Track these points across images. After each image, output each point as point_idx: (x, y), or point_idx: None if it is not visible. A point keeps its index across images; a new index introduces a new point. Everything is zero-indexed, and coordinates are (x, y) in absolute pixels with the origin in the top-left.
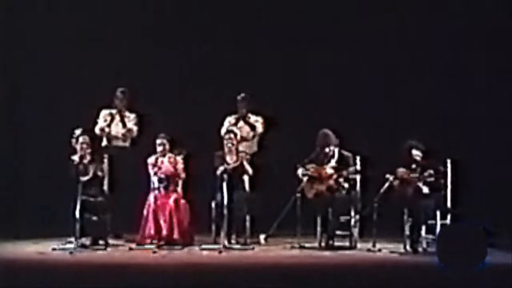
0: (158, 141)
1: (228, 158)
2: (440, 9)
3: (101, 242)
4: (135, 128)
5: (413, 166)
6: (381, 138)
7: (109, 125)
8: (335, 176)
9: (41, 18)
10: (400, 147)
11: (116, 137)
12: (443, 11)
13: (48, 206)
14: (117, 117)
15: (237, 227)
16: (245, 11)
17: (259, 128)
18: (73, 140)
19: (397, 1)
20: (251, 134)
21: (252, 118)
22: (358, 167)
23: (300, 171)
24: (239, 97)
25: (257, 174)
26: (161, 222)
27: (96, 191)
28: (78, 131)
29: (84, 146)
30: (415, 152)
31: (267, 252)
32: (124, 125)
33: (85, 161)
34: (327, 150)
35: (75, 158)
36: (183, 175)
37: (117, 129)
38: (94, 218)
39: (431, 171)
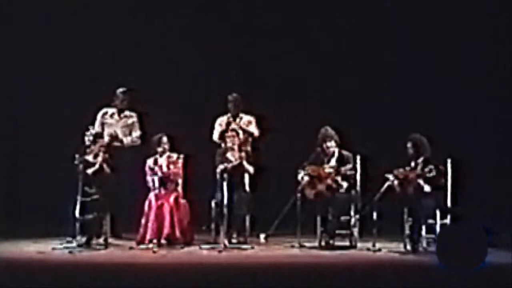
0: (157, 141)
1: (229, 155)
2: (440, 9)
3: (100, 241)
4: (139, 142)
5: (412, 164)
6: (381, 138)
7: (102, 132)
8: (333, 175)
9: (41, 18)
10: (400, 146)
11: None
12: (443, 10)
13: (48, 206)
14: (116, 117)
15: (237, 227)
16: (244, 10)
17: (255, 133)
18: (86, 138)
19: (398, 0)
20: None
21: (245, 118)
22: (358, 166)
23: (300, 174)
24: (230, 97)
25: (257, 174)
26: (162, 221)
27: (97, 189)
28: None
29: (95, 145)
30: (408, 145)
31: (267, 252)
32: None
33: (97, 158)
34: (328, 144)
35: (89, 157)
36: (181, 173)
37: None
38: (91, 216)
39: (432, 166)
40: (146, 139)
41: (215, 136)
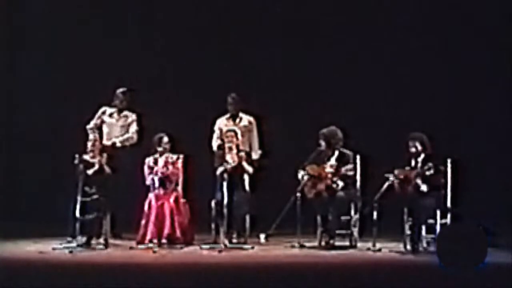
0: (158, 141)
1: (228, 158)
2: (440, 9)
3: (101, 241)
4: (135, 137)
5: (412, 163)
6: (381, 138)
7: (100, 128)
8: (330, 175)
9: (41, 18)
10: (400, 146)
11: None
12: (444, 10)
13: (48, 206)
14: (116, 116)
15: (237, 227)
16: (244, 10)
17: (254, 133)
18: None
19: (398, 0)
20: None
21: (244, 118)
22: (358, 165)
23: (300, 174)
24: (229, 98)
25: (257, 174)
26: (162, 221)
27: (97, 189)
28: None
29: (95, 143)
30: (411, 143)
31: (267, 252)
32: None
33: (95, 158)
34: (332, 142)
35: (87, 157)
36: (181, 174)
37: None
38: (91, 216)
39: (430, 164)
40: (143, 136)
41: (214, 145)
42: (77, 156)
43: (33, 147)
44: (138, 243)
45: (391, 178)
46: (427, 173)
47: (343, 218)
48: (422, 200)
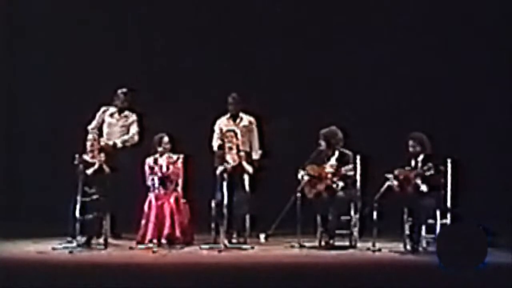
0: (158, 141)
1: (228, 157)
2: (440, 9)
3: (100, 241)
4: (136, 137)
5: (412, 163)
6: (381, 138)
7: (100, 128)
8: (330, 175)
9: (41, 18)
10: (400, 146)
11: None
12: (444, 10)
13: (48, 206)
14: (117, 116)
15: (237, 227)
16: (245, 10)
17: (254, 133)
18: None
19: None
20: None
21: (245, 118)
22: (358, 165)
23: (301, 174)
24: (230, 98)
25: (257, 174)
26: (162, 221)
27: (97, 189)
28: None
29: (94, 143)
30: (411, 143)
31: (267, 251)
32: (126, 129)
33: (95, 158)
34: (332, 142)
35: (87, 157)
36: (181, 174)
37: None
38: (91, 216)
39: (430, 164)
40: (144, 136)
41: (214, 145)
42: (77, 156)
43: (33, 147)
44: (138, 243)
45: (391, 178)
46: (427, 173)
47: (343, 218)
48: (422, 200)
